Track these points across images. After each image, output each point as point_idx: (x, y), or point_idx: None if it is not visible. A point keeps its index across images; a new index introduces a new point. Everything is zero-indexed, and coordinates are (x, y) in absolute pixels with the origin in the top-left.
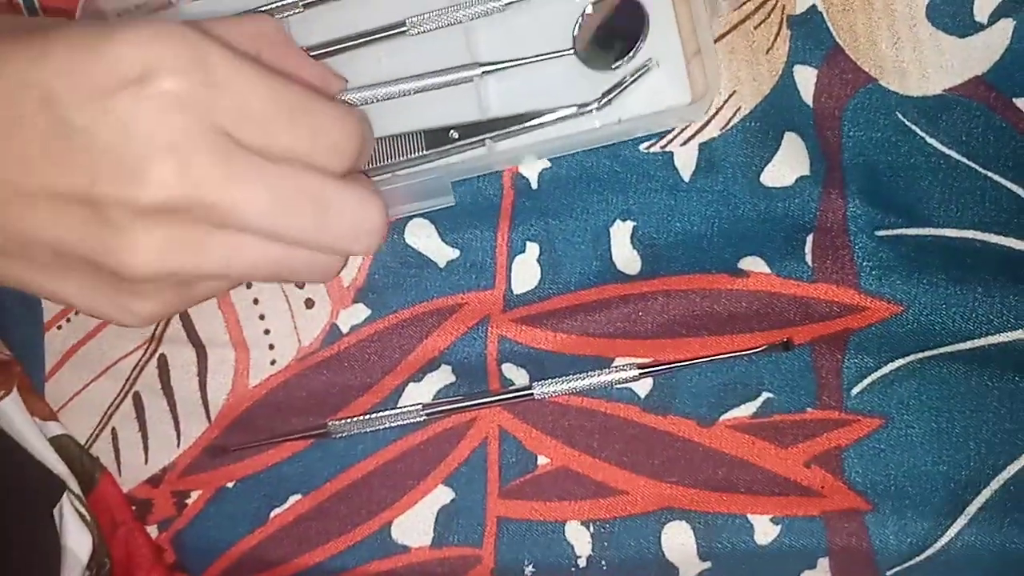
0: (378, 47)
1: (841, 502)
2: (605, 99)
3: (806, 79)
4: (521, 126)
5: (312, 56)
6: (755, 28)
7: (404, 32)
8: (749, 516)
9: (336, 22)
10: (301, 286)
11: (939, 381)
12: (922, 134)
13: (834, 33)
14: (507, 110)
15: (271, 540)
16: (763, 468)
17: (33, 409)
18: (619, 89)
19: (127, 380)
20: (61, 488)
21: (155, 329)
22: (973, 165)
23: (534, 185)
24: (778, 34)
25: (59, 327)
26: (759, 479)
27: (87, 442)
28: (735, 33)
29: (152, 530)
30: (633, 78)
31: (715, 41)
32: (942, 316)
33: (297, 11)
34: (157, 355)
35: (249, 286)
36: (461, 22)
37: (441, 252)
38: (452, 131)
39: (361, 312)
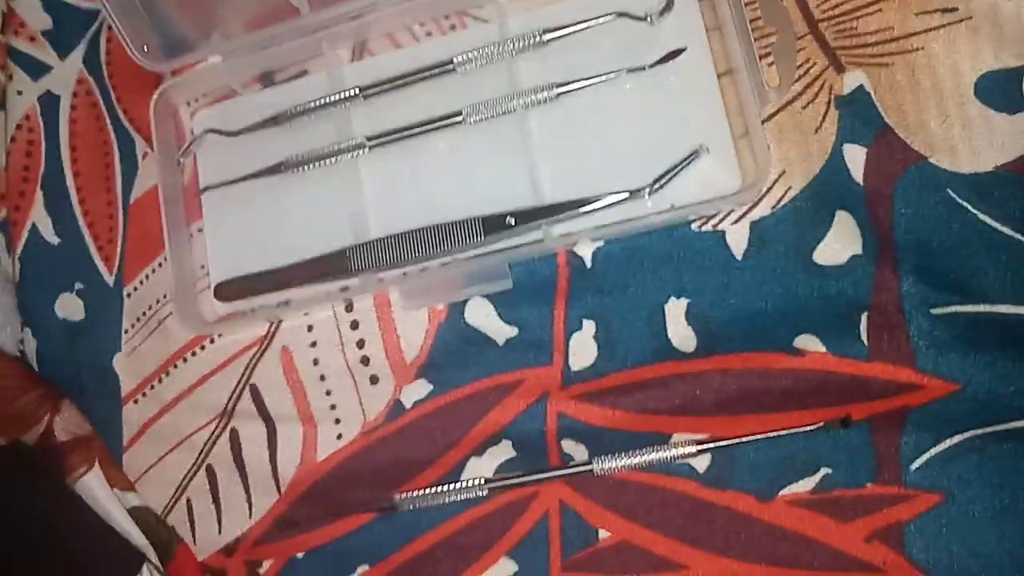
0: (436, 135)
1: None
2: (657, 185)
3: (856, 158)
4: (575, 211)
5: (371, 144)
6: (803, 108)
7: (461, 121)
8: None
9: (393, 111)
10: (366, 363)
11: (999, 457)
12: (974, 211)
13: (882, 112)
14: (562, 196)
15: None
16: (823, 544)
17: (112, 480)
18: (671, 174)
19: (200, 452)
20: (141, 559)
21: (227, 404)
22: None
23: (589, 264)
24: (826, 114)
25: (135, 401)
26: (820, 555)
27: (163, 512)
28: (783, 114)
29: None
30: (683, 164)
31: (763, 122)
32: (1000, 393)
33: (357, 101)
34: (229, 429)
35: (315, 363)
36: (514, 111)
37: (500, 330)
38: (509, 217)
39: (423, 388)
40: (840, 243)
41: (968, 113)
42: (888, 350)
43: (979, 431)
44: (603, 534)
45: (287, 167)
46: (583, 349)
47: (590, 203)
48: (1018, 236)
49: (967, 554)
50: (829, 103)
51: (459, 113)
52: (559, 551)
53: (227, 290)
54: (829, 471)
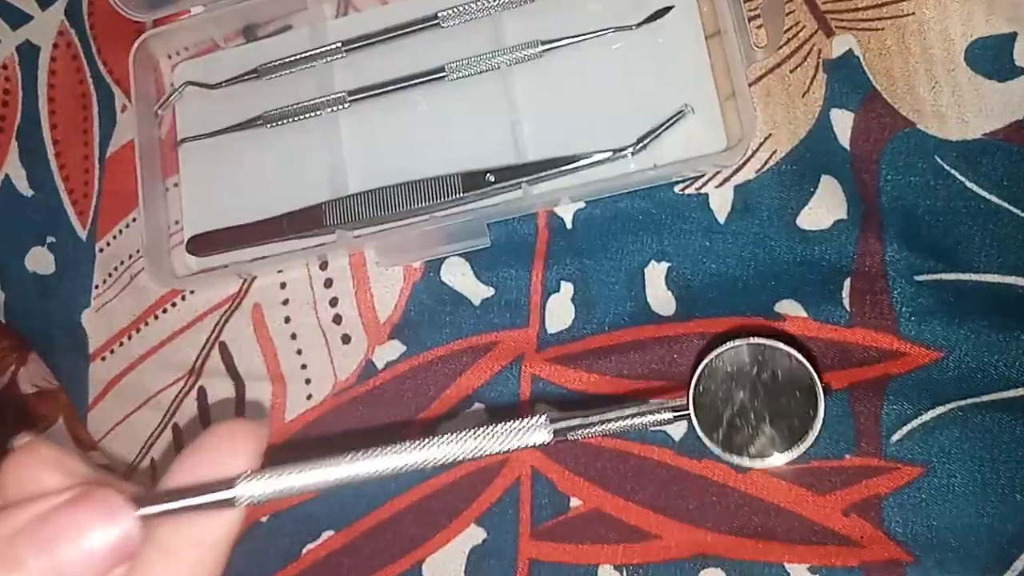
0: (417, 91)
1: (881, 552)
2: (640, 144)
3: (843, 123)
4: (556, 170)
5: (352, 99)
6: (791, 72)
7: (443, 77)
8: (786, 565)
9: (376, 67)
10: (338, 322)
11: (982, 430)
12: (961, 178)
13: (871, 77)
14: (543, 154)
15: None
16: (800, 515)
17: (77, 438)
18: (655, 134)
19: (167, 411)
20: None
21: (196, 362)
22: (1014, 210)
23: (569, 225)
24: (814, 78)
25: (103, 358)
26: (796, 527)
27: (127, 472)
28: (771, 77)
29: None
30: (668, 123)
31: (750, 85)
32: (984, 363)
33: (339, 56)
34: (196, 387)
35: (287, 320)
36: (499, 68)
37: (476, 290)
38: (488, 174)
39: (397, 349)
40: (825, 208)
41: (958, 79)
42: (870, 316)
43: (962, 402)
44: (574, 502)
45: (266, 121)
46: (560, 311)
47: (572, 162)
48: (1005, 204)
49: (946, 529)
50: (817, 67)
51: (442, 69)
52: (529, 519)
53: (200, 244)
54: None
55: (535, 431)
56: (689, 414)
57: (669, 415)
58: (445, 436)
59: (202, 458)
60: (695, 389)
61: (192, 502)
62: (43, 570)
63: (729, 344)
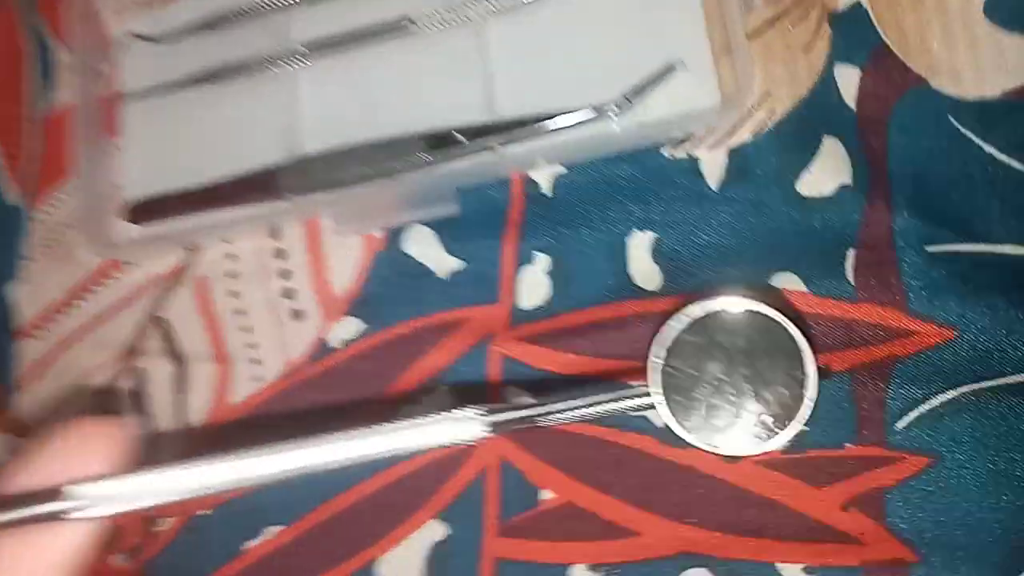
0: (382, 44)
1: (884, 552)
2: (625, 101)
3: (849, 80)
4: (532, 130)
5: (310, 53)
6: (793, 25)
7: (410, 29)
8: (778, 565)
9: (339, 18)
10: (290, 296)
11: (997, 416)
12: (978, 141)
13: (880, 30)
14: (518, 112)
15: (246, 574)
16: (795, 510)
17: (4, 425)
18: (641, 90)
19: None
20: None
21: (133, 341)
22: None
23: (546, 192)
24: (818, 31)
25: (32, 335)
26: (790, 523)
27: None
28: (771, 30)
29: (120, 559)
30: (656, 78)
31: (748, 38)
32: (1000, 343)
33: (297, 4)
34: (135, 368)
35: (234, 295)
36: (472, 19)
37: (442, 263)
38: (458, 134)
39: (354, 326)
40: (827, 173)
41: (975, 33)
42: (877, 291)
43: (975, 385)
44: (546, 495)
45: (217, 77)
46: (534, 286)
47: (551, 119)
48: None
49: (955, 524)
50: (821, 19)
51: (410, 20)
52: (496, 513)
53: (140, 210)
54: (804, 428)
55: (465, 424)
56: (648, 394)
57: (635, 402)
58: (351, 432)
59: (45, 464)
60: (665, 366)
61: (10, 516)
62: None
63: (691, 308)
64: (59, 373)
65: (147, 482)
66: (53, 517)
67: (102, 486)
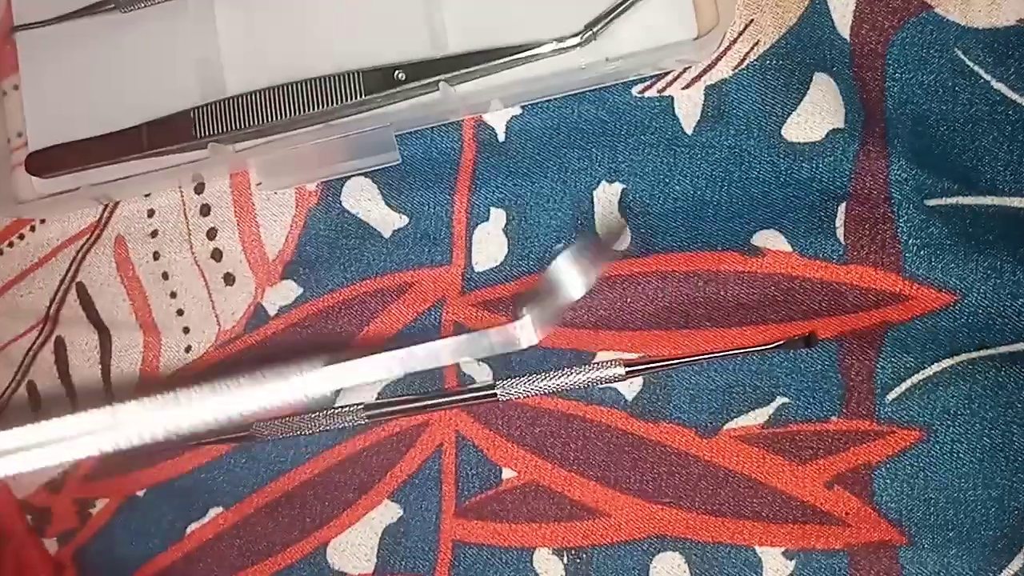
0: None
1: (870, 533)
2: (590, 32)
3: (843, 5)
4: (484, 65)
5: None
6: None
7: None
8: (757, 548)
9: None
10: (218, 258)
11: (994, 387)
12: (987, 76)
13: None
14: (468, 45)
15: (188, 559)
16: (776, 489)
17: None
18: (607, 19)
19: (19, 366)
20: None
21: (49, 307)
22: None
23: (501, 137)
24: None
25: None
26: (770, 502)
27: None
28: None
29: (51, 544)
30: (624, 6)
31: None
32: (1004, 307)
33: None
34: (54, 338)
35: (156, 257)
36: None
37: (386, 219)
38: (398, 71)
39: (291, 291)
40: (817, 115)
41: None
42: (870, 250)
43: (973, 354)
44: (507, 473)
45: (122, 3)
46: (490, 244)
47: (504, 55)
48: None
49: (947, 504)
50: None
51: None
52: (453, 493)
53: (43, 161)
54: (786, 401)
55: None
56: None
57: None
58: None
59: None
60: None
61: None
62: None
63: None
64: None
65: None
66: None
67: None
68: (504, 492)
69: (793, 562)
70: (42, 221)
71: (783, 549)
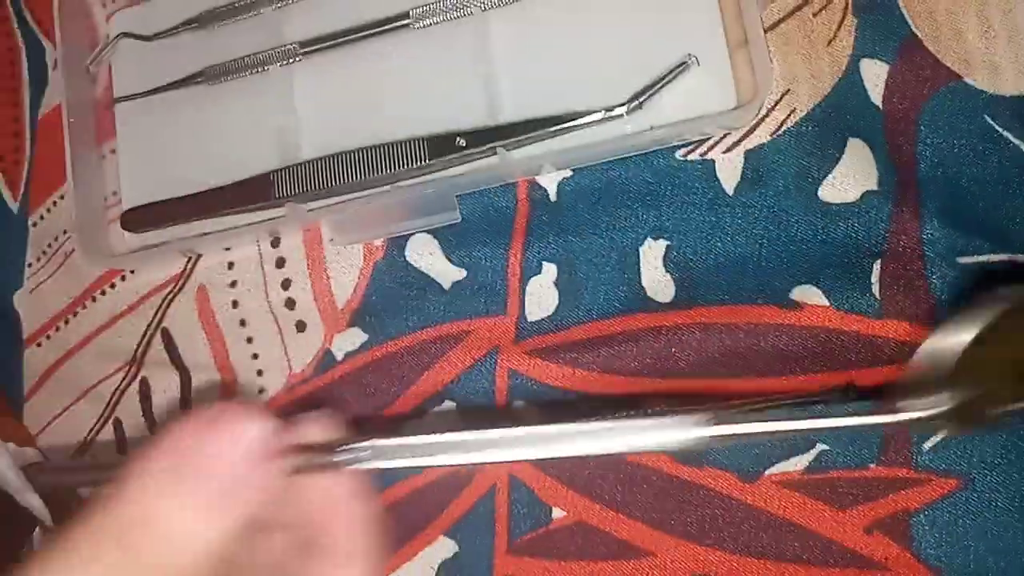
0: (378, 41)
1: None
2: (636, 102)
3: (875, 76)
4: (538, 132)
5: (304, 51)
6: (814, 15)
7: (408, 25)
8: None
9: (335, 14)
10: (291, 307)
11: None
12: (1016, 141)
13: (910, 21)
14: (522, 113)
15: None
16: (816, 533)
17: (9, 433)
18: (653, 90)
19: (107, 404)
20: (33, 522)
21: (136, 350)
22: None
23: (553, 197)
24: (842, 22)
25: (39, 344)
26: (811, 546)
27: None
28: (790, 21)
29: None
30: (669, 77)
31: (765, 31)
32: None
33: (292, 2)
34: (139, 379)
35: (235, 305)
36: (472, 12)
37: (446, 272)
38: (459, 138)
39: (357, 337)
40: (852, 177)
41: (1016, 22)
42: (904, 305)
43: (1008, 406)
44: (557, 513)
45: (210, 77)
46: (542, 296)
47: (556, 123)
48: None
49: (986, 551)
50: (846, 10)
51: (407, 15)
52: (506, 531)
53: (135, 218)
54: (826, 448)
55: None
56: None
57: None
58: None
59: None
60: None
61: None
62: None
63: None
64: (62, 383)
65: (410, 444)
66: (339, 465)
67: (375, 445)
68: (554, 531)
69: None
70: (132, 272)
71: None
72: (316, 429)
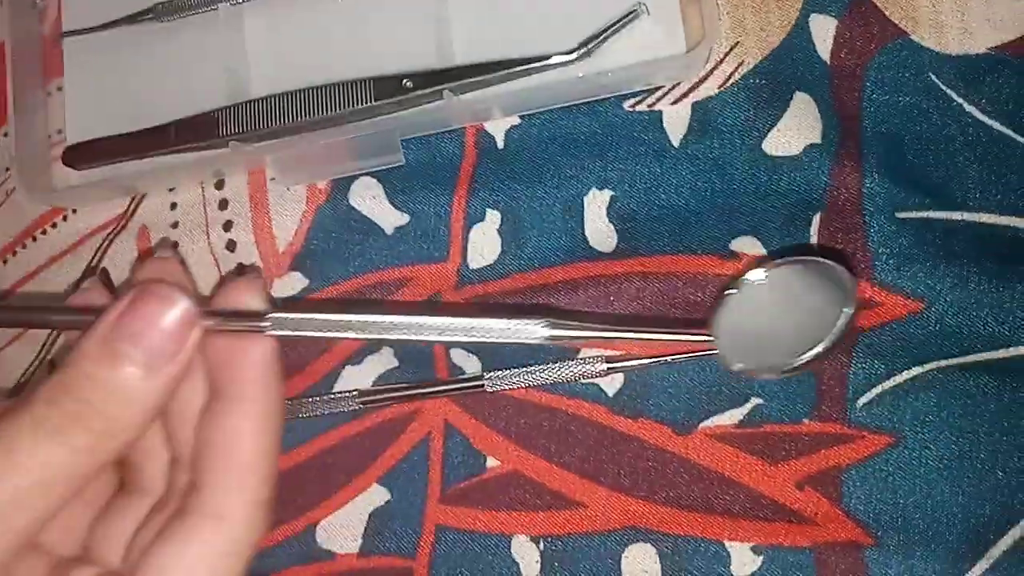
0: None
1: (837, 533)
2: (585, 48)
3: (823, 31)
4: (487, 76)
5: None
6: None
7: None
8: (726, 543)
9: None
10: (232, 249)
11: (963, 395)
12: (959, 100)
13: None
14: (472, 57)
15: None
16: (747, 487)
17: None
18: (603, 36)
19: (43, 346)
20: None
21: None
22: (1020, 139)
23: (500, 145)
24: None
25: None
26: (741, 499)
27: None
28: None
29: None
30: (619, 23)
31: None
32: (971, 317)
33: None
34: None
35: (176, 246)
36: None
37: (389, 217)
38: (406, 80)
39: (297, 282)
40: (796, 130)
41: None
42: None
43: (942, 362)
44: (491, 462)
45: (160, 14)
46: (484, 244)
47: (505, 67)
48: (1009, 132)
49: (915, 507)
50: None
51: None
52: (439, 479)
53: (77, 154)
54: (760, 402)
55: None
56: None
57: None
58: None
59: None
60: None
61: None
62: (140, 358)
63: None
64: None
65: (327, 319)
66: (254, 330)
67: (292, 314)
68: (487, 480)
69: (761, 557)
70: (74, 211)
71: (752, 544)
72: (237, 295)
